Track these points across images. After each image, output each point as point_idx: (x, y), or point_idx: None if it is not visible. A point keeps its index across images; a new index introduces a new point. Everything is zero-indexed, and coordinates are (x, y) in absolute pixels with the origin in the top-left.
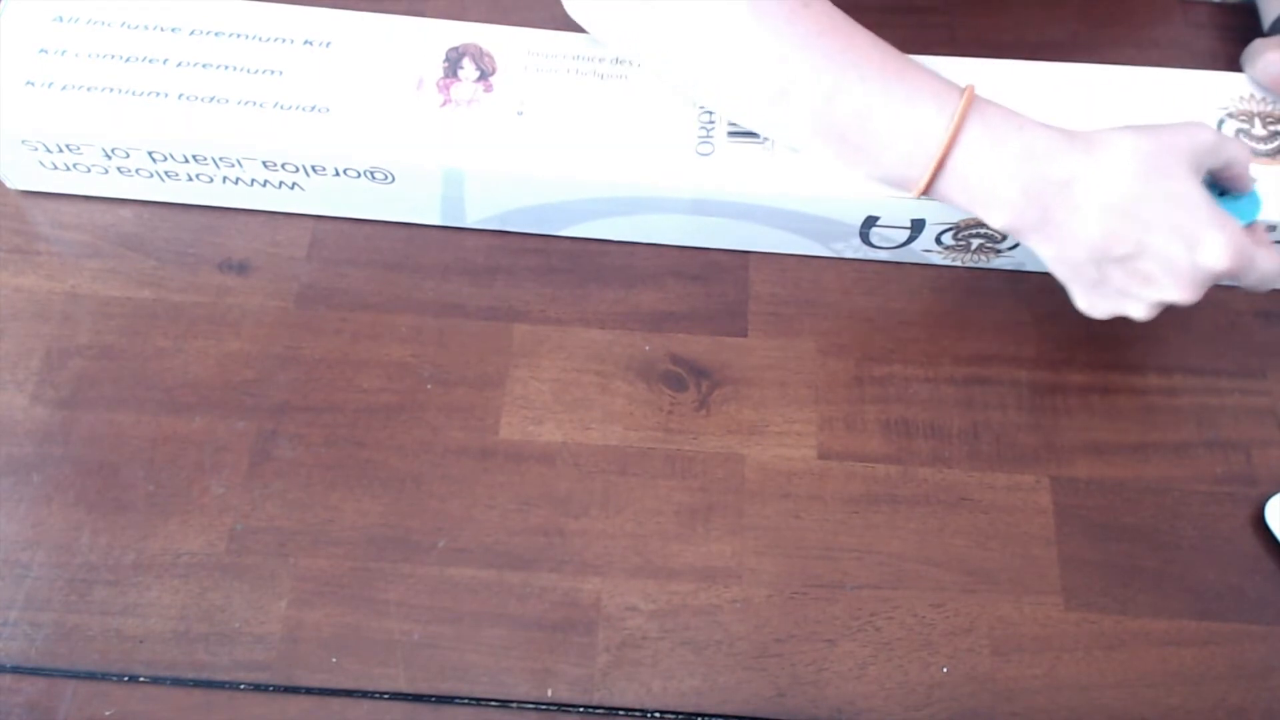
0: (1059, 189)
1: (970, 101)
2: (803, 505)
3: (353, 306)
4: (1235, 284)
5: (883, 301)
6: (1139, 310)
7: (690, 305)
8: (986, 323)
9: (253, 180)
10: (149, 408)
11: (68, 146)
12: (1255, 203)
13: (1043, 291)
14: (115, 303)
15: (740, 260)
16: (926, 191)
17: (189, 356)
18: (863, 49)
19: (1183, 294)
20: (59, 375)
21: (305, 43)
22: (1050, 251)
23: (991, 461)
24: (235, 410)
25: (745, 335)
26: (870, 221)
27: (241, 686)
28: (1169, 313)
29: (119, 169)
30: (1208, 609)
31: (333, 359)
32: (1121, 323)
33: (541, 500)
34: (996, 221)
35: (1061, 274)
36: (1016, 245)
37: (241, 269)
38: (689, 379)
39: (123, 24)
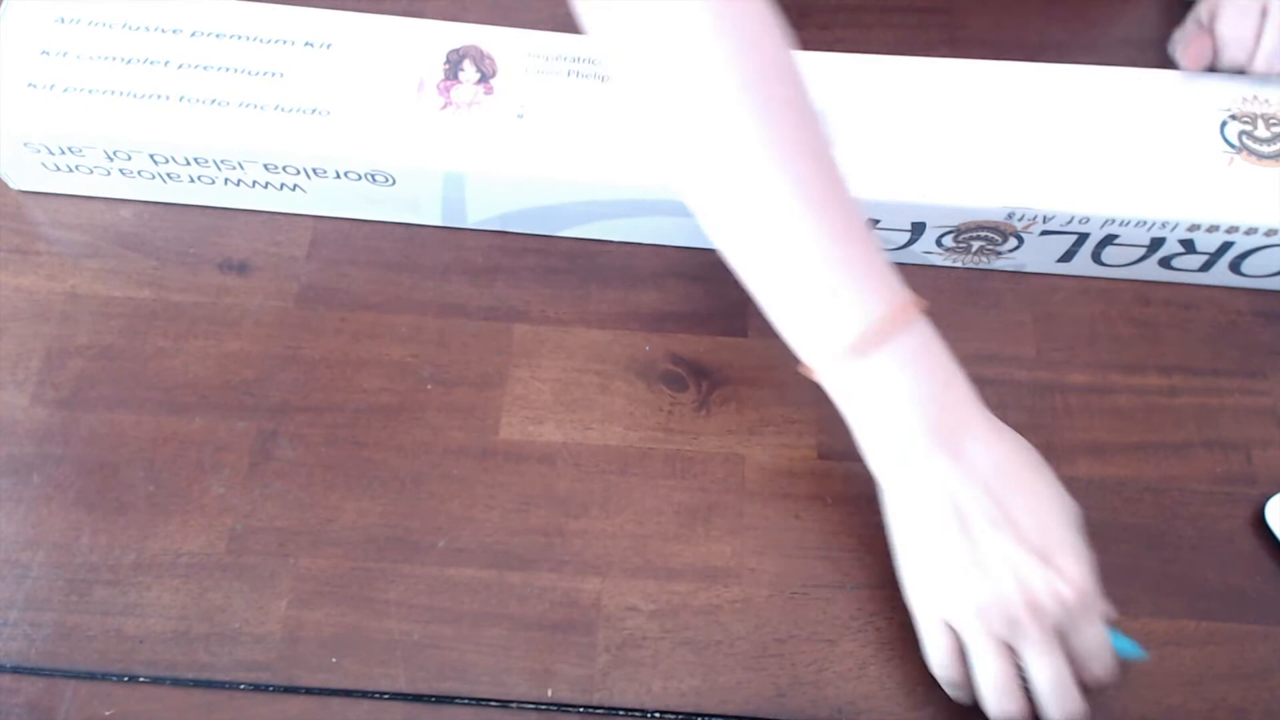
0: (956, 429)
1: (901, 320)
2: (803, 505)
3: (353, 306)
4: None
5: None
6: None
7: (690, 305)
8: (986, 323)
9: (254, 182)
10: (149, 408)
11: (69, 149)
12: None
13: (1043, 291)
14: (115, 303)
15: None
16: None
17: (189, 356)
18: (833, 194)
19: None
20: (59, 375)
21: (306, 45)
22: (912, 500)
23: None
24: (235, 410)
25: (745, 335)
26: (870, 224)
27: (241, 686)
28: (1169, 312)
29: (120, 170)
30: (1208, 609)
31: (333, 359)
32: (1121, 323)
33: (541, 500)
34: (870, 456)
35: (914, 544)
36: (1018, 247)
37: (241, 269)
38: (689, 379)
39: (124, 25)
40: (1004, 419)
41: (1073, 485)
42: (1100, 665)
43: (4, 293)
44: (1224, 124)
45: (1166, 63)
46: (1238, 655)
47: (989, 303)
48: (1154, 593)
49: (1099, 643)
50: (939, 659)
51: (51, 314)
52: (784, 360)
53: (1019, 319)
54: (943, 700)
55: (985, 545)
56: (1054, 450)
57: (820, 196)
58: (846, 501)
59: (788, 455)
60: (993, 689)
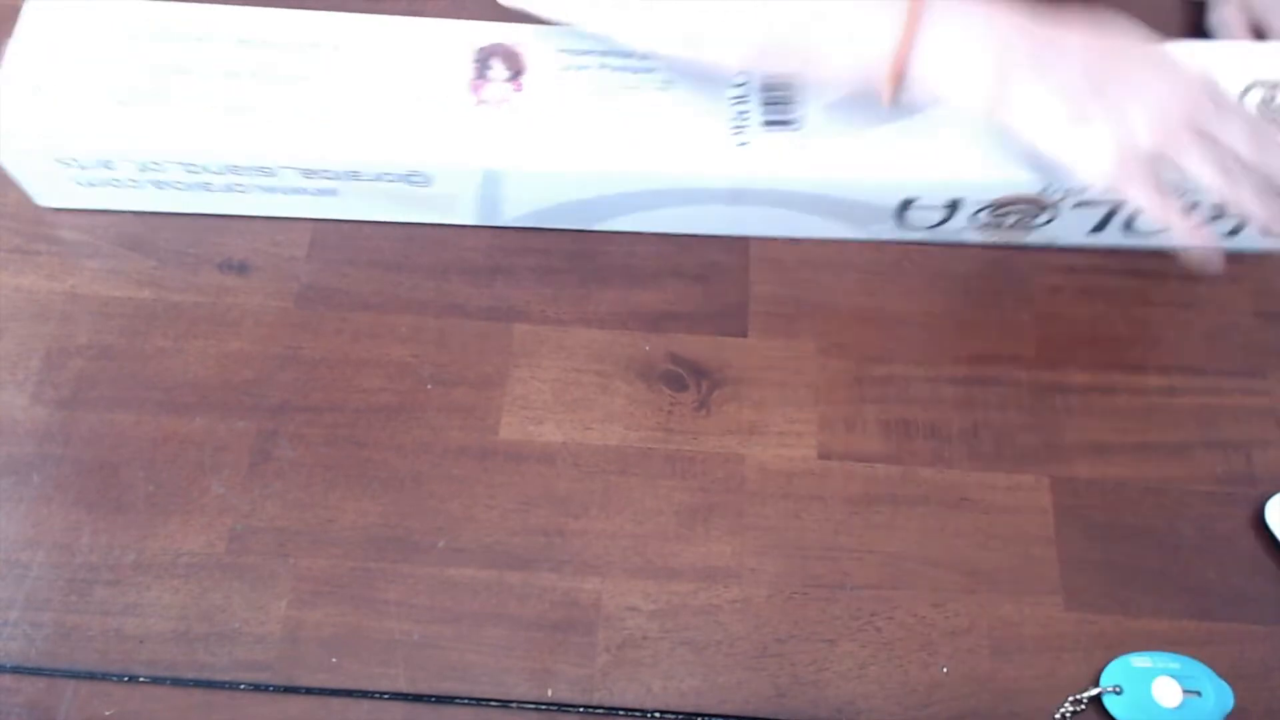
0: (1037, 41)
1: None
2: (803, 505)
3: (353, 306)
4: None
5: (883, 301)
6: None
7: (690, 305)
8: (986, 323)
9: (288, 189)
10: (149, 408)
11: (102, 162)
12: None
13: (1043, 291)
14: (115, 303)
15: (740, 260)
16: (897, 84)
17: (189, 356)
18: None
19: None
20: (59, 375)
21: (334, 49)
22: (1032, 96)
23: (991, 461)
24: (235, 410)
25: (745, 335)
26: (906, 204)
27: (241, 686)
28: (1169, 312)
29: (153, 182)
30: (1208, 609)
31: (333, 359)
32: (1121, 323)
33: (541, 500)
34: (974, 93)
35: (1047, 122)
36: (1050, 220)
37: (241, 269)
38: (689, 379)
39: (149, 37)
40: (1004, 419)
41: (1073, 485)
42: (1251, 147)
43: (4, 293)
44: (1245, 91)
45: None
46: (1238, 655)
47: (989, 303)
48: (1154, 593)
49: (1245, 122)
50: (1132, 193)
51: (51, 314)
52: (784, 360)
53: (1019, 319)
54: (942, 700)
55: (1108, 96)
56: (1054, 450)
57: None
58: (846, 501)
59: (788, 455)
60: (1152, 202)
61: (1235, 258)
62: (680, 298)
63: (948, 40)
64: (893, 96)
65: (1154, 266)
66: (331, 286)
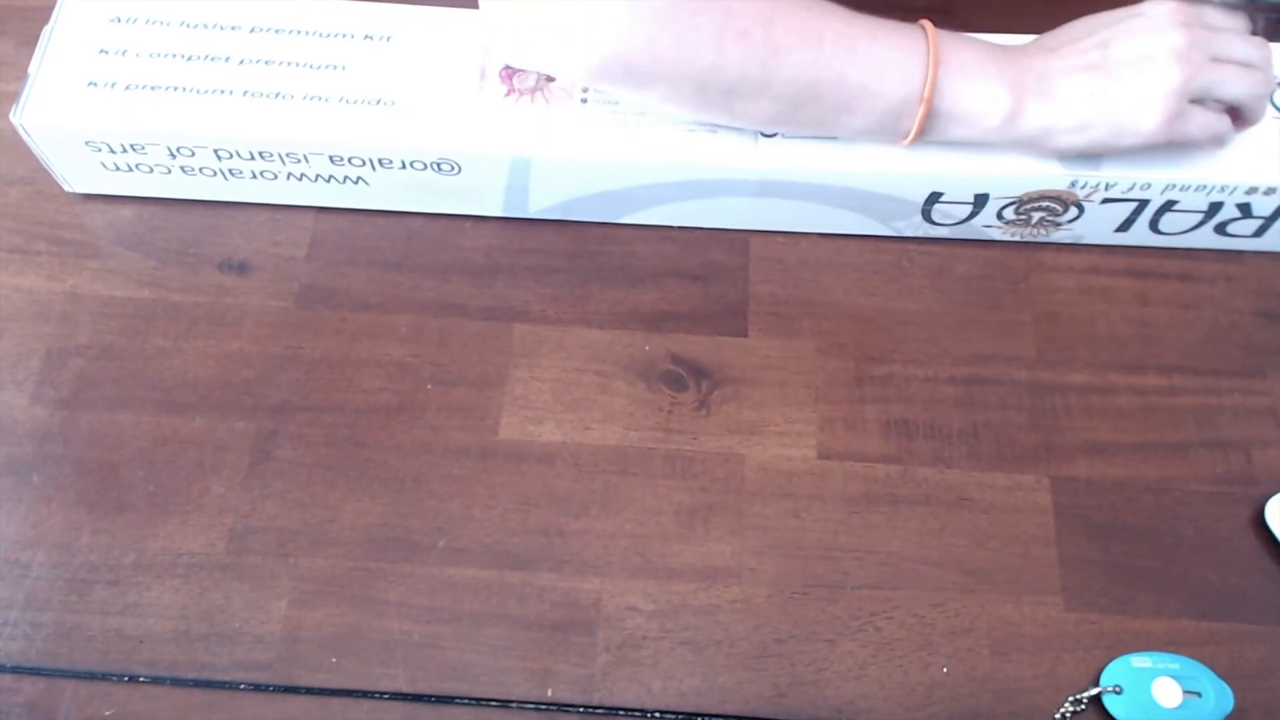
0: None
1: (935, 32)
2: (803, 505)
3: (353, 306)
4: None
5: (883, 301)
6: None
7: (690, 305)
8: (986, 323)
9: (317, 176)
10: (149, 408)
11: (132, 146)
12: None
13: (1043, 291)
14: (115, 303)
15: (740, 260)
16: (923, 126)
17: (189, 356)
18: (823, 13)
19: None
20: (59, 375)
21: (366, 37)
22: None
23: (991, 461)
24: (235, 410)
25: (745, 335)
26: (933, 198)
27: (241, 686)
28: (1169, 312)
29: (182, 168)
30: (1208, 609)
31: (333, 359)
32: (1121, 323)
33: (541, 500)
34: (995, 118)
35: (1084, 109)
36: (1078, 217)
37: (241, 269)
38: (689, 379)
39: (181, 24)
40: (1004, 419)
41: (1073, 485)
42: (1252, 50)
43: (4, 293)
44: (1272, 92)
45: None
46: (1238, 655)
47: (989, 303)
48: (1154, 593)
49: (1234, 31)
50: (1197, 134)
51: (51, 314)
52: (784, 360)
53: (1019, 319)
54: (942, 700)
55: (1119, 63)
56: (1054, 450)
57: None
58: (846, 501)
59: (788, 455)
60: (1209, 125)
61: (1235, 258)
62: (680, 298)
63: (964, 73)
64: (919, 135)
65: (1154, 266)
66: (331, 286)
